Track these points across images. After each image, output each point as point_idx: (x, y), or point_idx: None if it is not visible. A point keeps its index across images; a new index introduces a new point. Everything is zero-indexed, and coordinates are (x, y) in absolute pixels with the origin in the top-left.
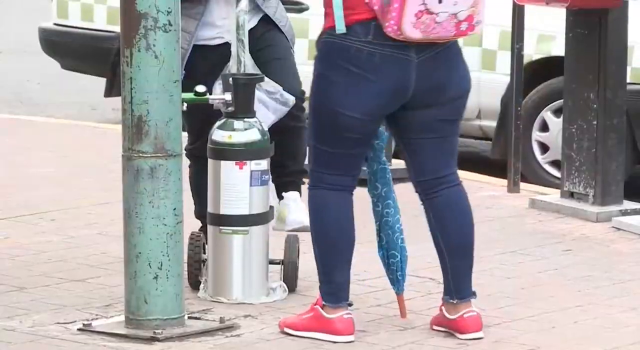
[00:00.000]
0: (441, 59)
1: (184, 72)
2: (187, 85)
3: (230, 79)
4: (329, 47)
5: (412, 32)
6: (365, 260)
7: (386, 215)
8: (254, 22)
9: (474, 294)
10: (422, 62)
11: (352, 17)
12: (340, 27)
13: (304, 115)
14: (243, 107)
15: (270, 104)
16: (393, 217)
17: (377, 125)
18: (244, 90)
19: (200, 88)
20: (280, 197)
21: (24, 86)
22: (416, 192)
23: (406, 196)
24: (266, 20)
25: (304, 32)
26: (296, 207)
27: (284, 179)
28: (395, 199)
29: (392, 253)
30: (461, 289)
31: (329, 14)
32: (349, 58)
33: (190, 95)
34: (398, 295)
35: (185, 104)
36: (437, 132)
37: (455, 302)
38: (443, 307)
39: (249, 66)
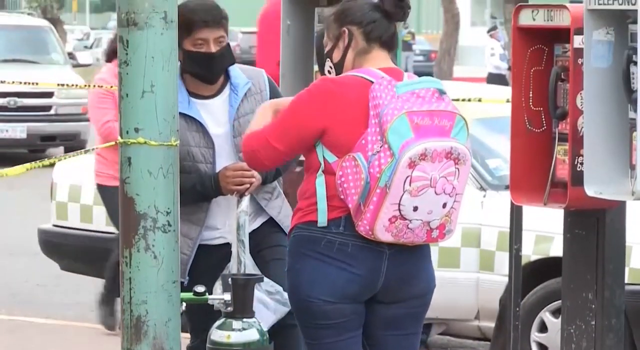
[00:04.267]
0: (411, 253)
1: (187, 277)
2: (188, 283)
3: (230, 279)
4: (298, 240)
5: (383, 235)
6: None
7: None
8: (257, 223)
9: None
10: (393, 254)
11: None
12: (323, 221)
13: None
14: (242, 307)
15: (270, 304)
16: None
17: (354, 310)
18: (243, 291)
19: (200, 288)
20: None
21: (22, 287)
22: None
23: None
24: (270, 223)
25: None
26: None
27: None
28: None
29: None
30: None
31: (300, 209)
32: (320, 249)
33: (189, 295)
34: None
35: (184, 304)
36: (402, 329)
37: None
38: None
39: (249, 266)
